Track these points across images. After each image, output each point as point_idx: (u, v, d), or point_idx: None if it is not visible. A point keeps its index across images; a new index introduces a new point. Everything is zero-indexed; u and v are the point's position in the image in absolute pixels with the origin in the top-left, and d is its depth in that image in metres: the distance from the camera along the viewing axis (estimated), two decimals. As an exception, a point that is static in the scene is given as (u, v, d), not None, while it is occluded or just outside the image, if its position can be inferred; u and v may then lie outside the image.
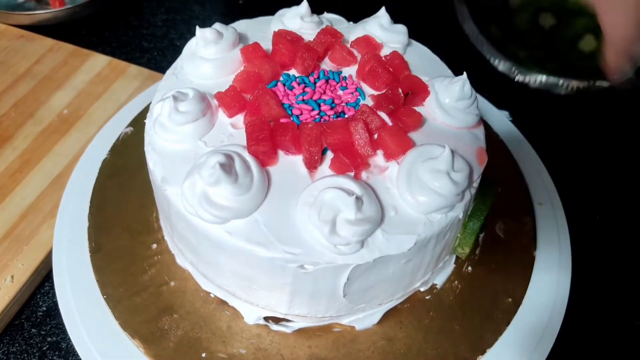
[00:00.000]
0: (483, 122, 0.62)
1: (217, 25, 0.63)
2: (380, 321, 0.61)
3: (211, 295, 0.62)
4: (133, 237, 0.67)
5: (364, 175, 0.54)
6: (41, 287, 0.70)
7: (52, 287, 0.68)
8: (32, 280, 0.69)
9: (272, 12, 0.70)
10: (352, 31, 0.67)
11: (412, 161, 0.53)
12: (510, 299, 0.64)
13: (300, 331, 0.60)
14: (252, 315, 0.60)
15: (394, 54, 0.64)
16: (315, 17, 0.68)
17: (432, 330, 0.61)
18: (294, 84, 0.60)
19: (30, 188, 0.77)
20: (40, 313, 0.68)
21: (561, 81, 0.85)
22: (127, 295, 0.61)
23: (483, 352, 0.60)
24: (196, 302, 0.62)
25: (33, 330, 0.67)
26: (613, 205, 0.83)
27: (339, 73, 0.63)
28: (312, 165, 0.54)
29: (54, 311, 0.68)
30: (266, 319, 0.60)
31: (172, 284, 0.63)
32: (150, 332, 0.59)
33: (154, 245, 0.66)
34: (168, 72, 0.65)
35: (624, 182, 0.85)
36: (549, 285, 0.66)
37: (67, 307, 0.62)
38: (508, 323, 0.62)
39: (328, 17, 0.71)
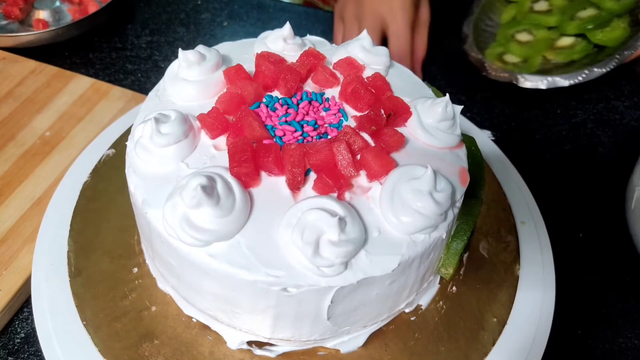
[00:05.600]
0: (466, 141, 0.63)
1: (200, 47, 0.63)
2: (365, 344, 0.60)
3: (193, 320, 0.61)
4: (114, 261, 0.66)
5: (347, 196, 0.54)
6: (20, 312, 0.69)
7: (31, 312, 0.66)
8: (11, 306, 0.67)
9: (255, 35, 0.71)
10: (334, 53, 0.68)
11: (395, 181, 0.54)
12: (495, 319, 0.64)
13: (285, 355, 0.59)
14: (235, 339, 0.59)
15: (376, 75, 0.64)
16: (298, 39, 0.69)
17: (417, 352, 0.60)
18: (277, 105, 0.61)
19: (10, 211, 0.76)
20: (18, 340, 0.67)
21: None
22: (107, 321, 0.60)
23: (469, 374, 0.59)
24: (178, 327, 0.61)
25: (10, 358, 0.65)
26: (595, 222, 0.84)
27: (322, 94, 0.63)
28: (295, 186, 0.54)
29: (32, 338, 0.67)
30: (249, 343, 0.59)
31: (154, 308, 0.62)
32: (130, 358, 0.57)
33: (135, 269, 0.65)
34: (150, 93, 0.64)
35: (606, 200, 0.86)
36: (533, 304, 0.66)
37: (45, 334, 0.60)
38: (494, 343, 0.62)
39: (311, 39, 0.72)
